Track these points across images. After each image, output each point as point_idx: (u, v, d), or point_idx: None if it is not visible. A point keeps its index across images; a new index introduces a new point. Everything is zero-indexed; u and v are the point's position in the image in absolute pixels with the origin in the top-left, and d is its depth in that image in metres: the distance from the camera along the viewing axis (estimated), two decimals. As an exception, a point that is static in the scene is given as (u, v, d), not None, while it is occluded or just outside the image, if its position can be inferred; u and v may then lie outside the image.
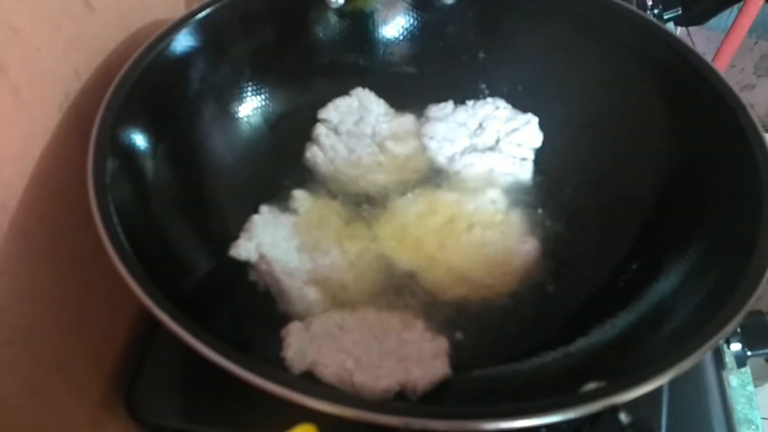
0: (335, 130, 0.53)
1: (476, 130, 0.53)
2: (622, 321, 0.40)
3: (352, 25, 0.54)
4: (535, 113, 0.53)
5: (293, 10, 0.52)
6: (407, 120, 0.55)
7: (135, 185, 0.39)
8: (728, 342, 0.41)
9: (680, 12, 0.70)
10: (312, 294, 0.42)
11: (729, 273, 0.34)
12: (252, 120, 0.51)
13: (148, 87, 0.40)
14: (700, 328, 0.30)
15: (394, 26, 0.54)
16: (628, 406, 0.29)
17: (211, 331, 0.29)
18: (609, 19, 0.47)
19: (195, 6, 0.45)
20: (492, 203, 0.49)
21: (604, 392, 0.27)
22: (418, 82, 0.56)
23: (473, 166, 0.51)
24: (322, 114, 0.53)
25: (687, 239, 0.40)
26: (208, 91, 0.47)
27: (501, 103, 0.54)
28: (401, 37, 0.55)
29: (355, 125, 0.53)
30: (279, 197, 0.49)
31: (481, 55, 0.55)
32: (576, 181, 0.50)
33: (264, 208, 0.48)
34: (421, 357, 0.38)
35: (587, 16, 0.49)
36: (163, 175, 0.42)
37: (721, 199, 0.39)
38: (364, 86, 0.55)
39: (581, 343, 0.39)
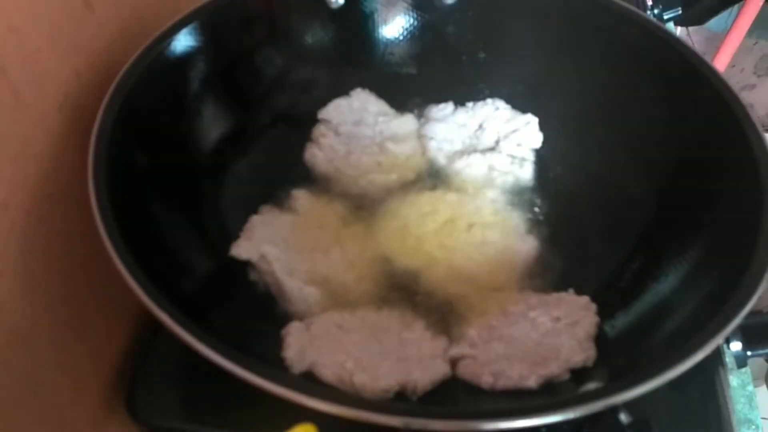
0: (335, 131, 0.53)
1: (476, 131, 0.53)
2: (621, 322, 0.40)
3: (352, 25, 0.54)
4: (535, 113, 0.53)
5: (293, 10, 0.52)
6: (407, 120, 0.55)
7: (135, 185, 0.39)
8: (728, 342, 0.41)
9: (680, 12, 0.70)
10: (312, 294, 0.42)
11: (729, 273, 0.34)
12: (252, 119, 0.51)
13: (148, 87, 0.40)
14: (700, 328, 0.30)
15: (394, 26, 0.54)
16: (628, 406, 0.29)
17: (211, 331, 0.29)
18: (609, 19, 0.47)
19: (195, 6, 0.45)
20: (492, 203, 0.49)
21: (604, 392, 0.27)
22: (418, 82, 0.56)
23: (473, 167, 0.51)
24: (322, 114, 0.53)
25: (687, 239, 0.40)
26: (208, 91, 0.47)
27: (501, 103, 0.54)
28: (401, 37, 0.55)
29: (355, 125, 0.53)
30: (279, 197, 0.49)
31: (481, 55, 0.55)
32: (576, 182, 0.50)
33: (264, 208, 0.48)
34: (421, 357, 0.38)
35: (587, 16, 0.49)
36: (163, 175, 0.42)
37: (721, 199, 0.39)
38: (364, 86, 0.55)
39: (581, 343, 0.39)
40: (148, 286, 0.30)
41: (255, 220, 0.46)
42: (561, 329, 0.38)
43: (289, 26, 0.52)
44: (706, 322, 0.30)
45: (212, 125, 0.48)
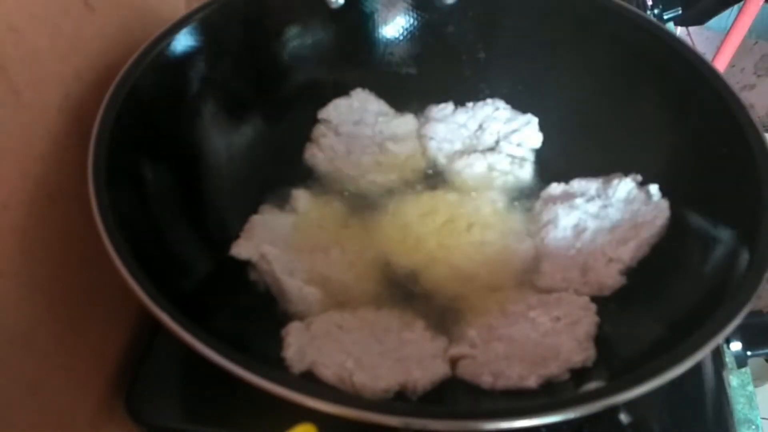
0: (335, 131, 0.53)
1: (476, 131, 0.53)
2: (621, 322, 0.40)
3: (352, 25, 0.54)
4: (535, 113, 0.53)
5: (293, 10, 0.52)
6: (407, 120, 0.55)
7: (135, 185, 0.39)
8: (728, 342, 0.41)
9: (680, 12, 0.70)
10: (312, 294, 0.42)
11: (729, 272, 0.34)
12: (252, 120, 0.51)
13: (148, 87, 0.40)
14: (699, 328, 0.30)
15: (394, 26, 0.54)
16: (628, 406, 0.29)
17: (211, 331, 0.29)
18: (609, 20, 0.47)
19: (195, 6, 0.45)
20: (492, 203, 0.49)
21: (604, 392, 0.27)
22: (418, 82, 0.56)
23: (473, 167, 0.51)
24: (322, 114, 0.53)
25: (686, 238, 0.40)
26: (208, 91, 0.47)
27: (501, 104, 0.54)
28: (401, 37, 0.55)
29: (355, 125, 0.53)
30: (279, 197, 0.49)
31: (481, 55, 0.55)
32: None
33: (264, 208, 0.48)
34: (421, 357, 0.38)
35: (587, 16, 0.49)
36: (163, 175, 0.42)
37: (720, 199, 0.39)
38: (364, 86, 0.55)
39: (581, 343, 0.39)
40: (148, 286, 0.30)
41: (255, 220, 0.46)
42: (561, 329, 0.38)
43: (289, 26, 0.52)
44: (706, 322, 0.30)
45: (212, 125, 0.48)
